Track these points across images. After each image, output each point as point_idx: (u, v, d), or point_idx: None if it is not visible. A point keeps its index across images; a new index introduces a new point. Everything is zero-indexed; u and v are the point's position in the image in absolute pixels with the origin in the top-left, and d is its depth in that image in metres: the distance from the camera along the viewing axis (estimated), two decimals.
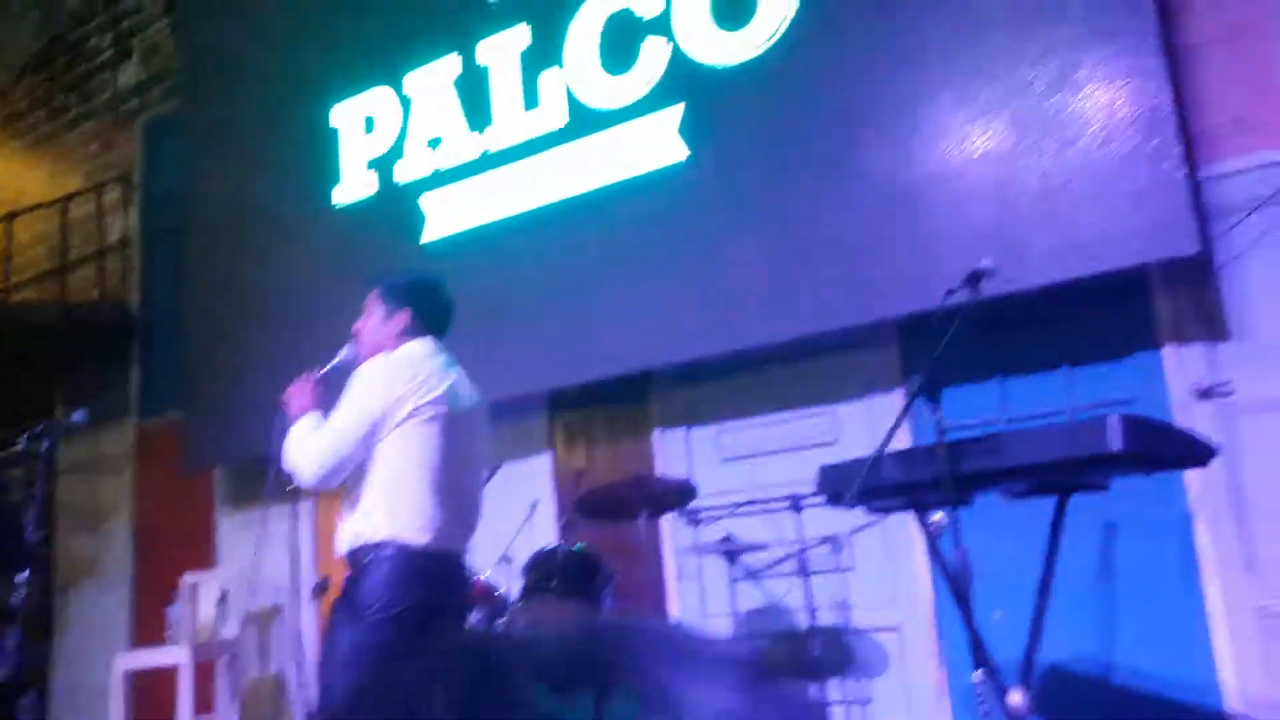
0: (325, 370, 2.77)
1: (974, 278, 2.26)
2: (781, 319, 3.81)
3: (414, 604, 2.32)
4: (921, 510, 2.35)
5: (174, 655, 4.75)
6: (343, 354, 2.78)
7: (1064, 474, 2.09)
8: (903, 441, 3.26)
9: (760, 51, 3.97)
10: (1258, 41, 3.40)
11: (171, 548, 5.78)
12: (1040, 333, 3.64)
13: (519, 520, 4.57)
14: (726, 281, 3.93)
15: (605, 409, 4.64)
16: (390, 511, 2.41)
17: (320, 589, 5.27)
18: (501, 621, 3.30)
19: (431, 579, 2.38)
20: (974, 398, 3.69)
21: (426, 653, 2.21)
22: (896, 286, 3.57)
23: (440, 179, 4.74)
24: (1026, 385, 3.65)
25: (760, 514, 3.95)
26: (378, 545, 2.39)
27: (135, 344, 6.27)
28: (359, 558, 2.41)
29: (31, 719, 4.34)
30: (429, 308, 2.73)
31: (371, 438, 2.45)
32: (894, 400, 3.89)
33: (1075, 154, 3.36)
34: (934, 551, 2.26)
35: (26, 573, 3.23)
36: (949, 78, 3.61)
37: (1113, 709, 3.39)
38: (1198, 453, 2.27)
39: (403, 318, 2.67)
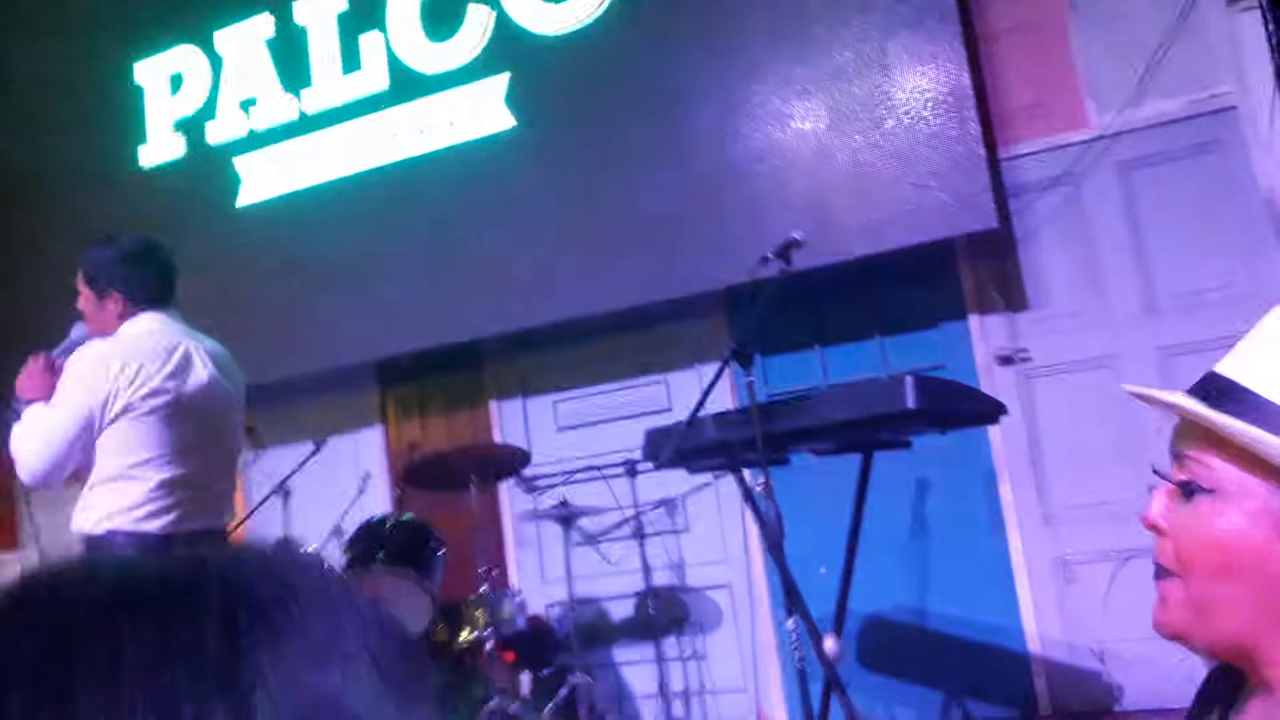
0: (58, 351, 2.53)
1: (786, 248, 2.36)
2: (607, 290, 3.87)
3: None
4: (740, 469, 2.45)
5: None
6: (74, 333, 2.56)
7: (866, 431, 2.22)
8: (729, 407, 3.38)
9: (587, 21, 3.98)
10: (1050, 33, 3.66)
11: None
12: (856, 303, 3.83)
13: (351, 494, 4.48)
14: (553, 251, 3.95)
15: (439, 380, 4.59)
16: (111, 505, 2.30)
17: None
18: None
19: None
20: (796, 366, 3.86)
21: None
22: (719, 259, 3.66)
23: (256, 141, 4.54)
24: (844, 354, 3.84)
25: (597, 480, 4.00)
26: (104, 537, 2.29)
27: None
28: (91, 551, 2.30)
29: None
30: (140, 282, 2.48)
31: (88, 434, 2.30)
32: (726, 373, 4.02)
33: (884, 134, 3.54)
34: (751, 506, 2.36)
35: None
36: (771, 58, 3.72)
37: (927, 654, 3.65)
38: (988, 410, 2.45)
39: (115, 300, 2.45)
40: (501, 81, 4.08)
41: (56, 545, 4.90)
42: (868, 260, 3.54)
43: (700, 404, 2.21)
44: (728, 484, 3.93)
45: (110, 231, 4.67)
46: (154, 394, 2.32)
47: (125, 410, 2.29)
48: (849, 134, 3.58)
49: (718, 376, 2.23)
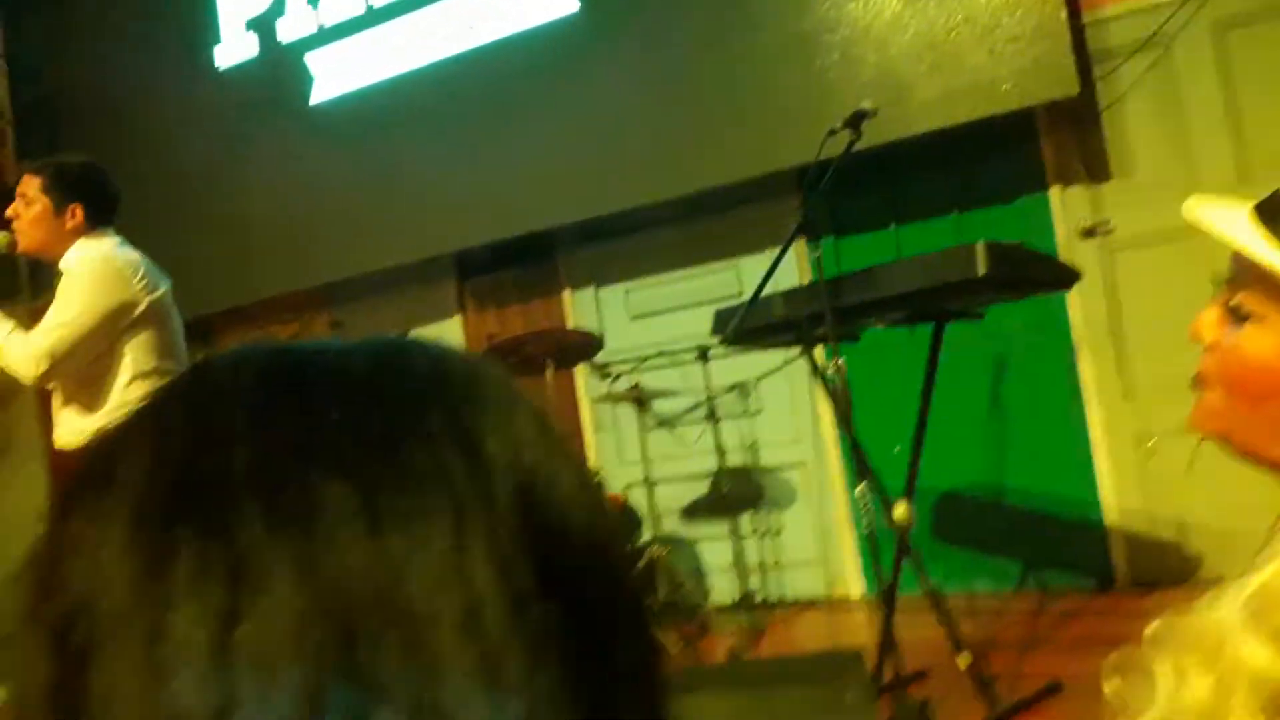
0: None
1: (856, 119, 2.32)
2: (677, 174, 3.84)
3: None
4: (810, 345, 2.47)
5: None
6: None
7: (936, 300, 2.21)
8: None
9: None
10: None
11: None
12: (932, 179, 3.75)
13: None
14: (622, 137, 3.93)
15: (514, 272, 4.66)
16: (142, 397, 2.43)
17: None
18: None
19: None
20: (870, 246, 3.82)
21: None
22: (790, 138, 3.60)
23: (325, 36, 4.55)
24: (920, 231, 3.78)
25: (670, 366, 4.07)
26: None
27: None
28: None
29: None
30: (100, 199, 2.63)
31: (107, 334, 2.51)
32: (797, 252, 4.00)
33: (959, 2, 3.39)
34: (820, 380, 2.39)
35: None
36: None
37: (1004, 527, 3.69)
38: (1061, 276, 2.42)
39: (76, 211, 2.58)
40: None
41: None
42: (943, 133, 3.45)
43: (767, 278, 2.22)
44: (799, 367, 3.96)
45: (190, 136, 4.84)
46: (161, 300, 2.60)
47: (146, 310, 2.55)
48: (922, 1, 3.44)
49: (785, 249, 2.23)
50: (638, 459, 4.13)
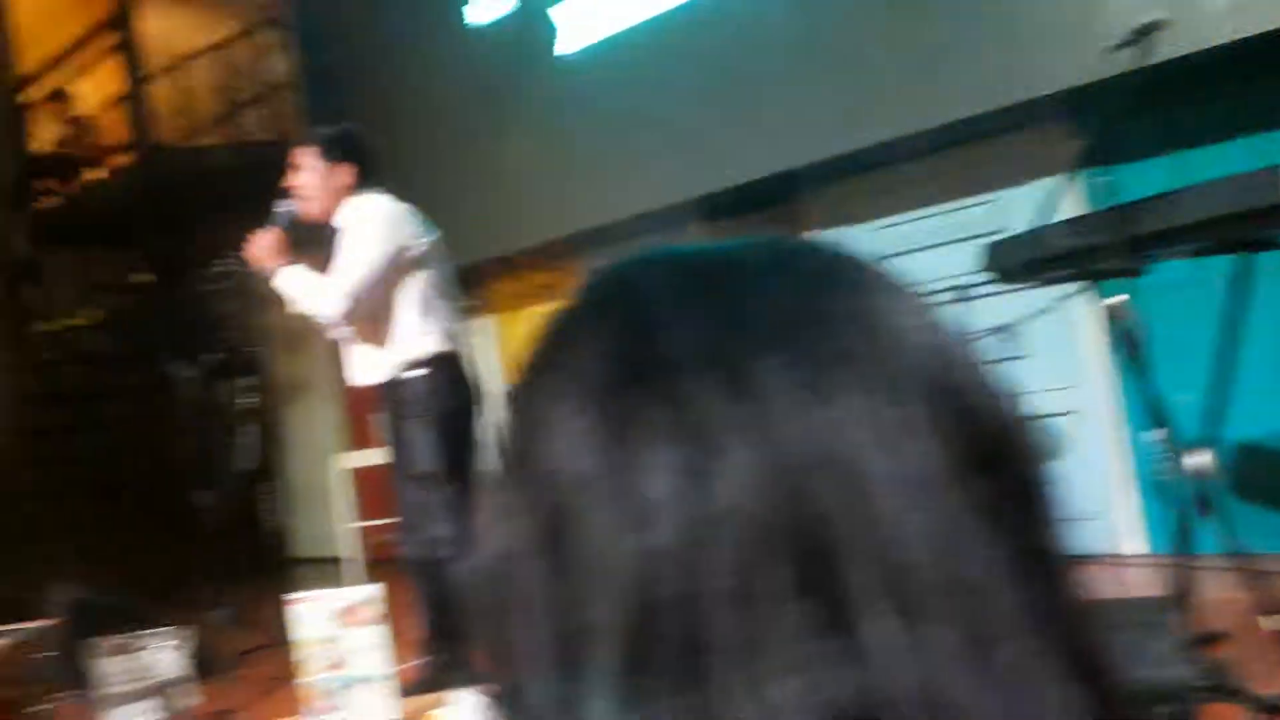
0: (275, 225, 2.94)
1: (1143, 31, 2.11)
2: (928, 105, 3.65)
3: (463, 394, 2.93)
4: (1094, 280, 2.31)
5: (382, 456, 5.26)
6: (284, 209, 2.95)
7: (1241, 228, 2.00)
8: None
9: None
10: None
11: None
12: (1220, 99, 3.37)
13: None
14: (866, 70, 3.78)
15: (758, 215, 4.65)
16: (428, 329, 2.87)
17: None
18: None
19: (465, 373, 2.98)
20: (1151, 173, 3.49)
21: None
22: (1055, 58, 3.35)
23: None
24: (1206, 158, 3.42)
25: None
26: (428, 360, 2.86)
27: None
28: (409, 372, 2.85)
29: (271, 506, 4.95)
30: (367, 158, 2.95)
31: (394, 272, 2.83)
32: (1064, 184, 3.73)
33: None
34: (1107, 317, 2.24)
35: (252, 377, 3.65)
36: None
37: None
38: None
39: (347, 170, 2.88)
40: None
41: None
42: (1237, 46, 3.09)
43: (1048, 207, 2.09)
44: (1070, 305, 3.71)
45: (443, 91, 5.13)
46: (428, 242, 2.92)
47: (419, 252, 2.88)
48: None
49: (1071, 177, 2.09)
50: None
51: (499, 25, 4.99)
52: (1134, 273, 2.14)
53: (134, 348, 6.26)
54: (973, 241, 3.94)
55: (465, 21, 5.10)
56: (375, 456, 5.35)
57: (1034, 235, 2.16)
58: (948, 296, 3.70)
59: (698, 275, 0.39)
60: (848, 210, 4.34)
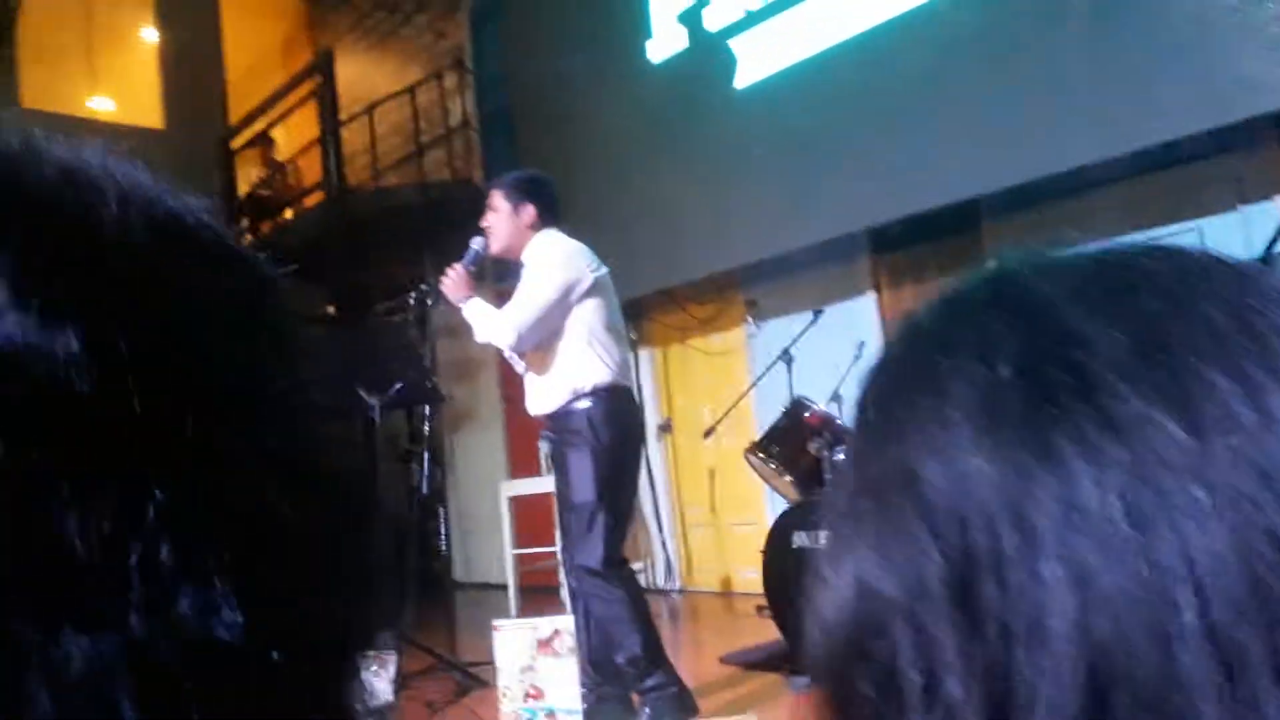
0: (466, 262, 3.09)
1: None
2: (1126, 128, 3.44)
3: (626, 426, 3.01)
4: None
5: (547, 484, 5.37)
6: (475, 246, 3.10)
7: None
8: None
9: None
10: None
11: None
12: None
13: (847, 361, 4.63)
14: (1059, 93, 3.60)
15: (933, 245, 4.51)
16: (594, 361, 2.94)
17: (665, 429, 5.70)
18: (840, 449, 3.40)
19: (629, 405, 3.08)
20: None
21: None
22: (1267, 77, 3.08)
23: (751, 20, 4.68)
24: None
25: None
26: (593, 391, 2.92)
27: None
28: (574, 403, 2.93)
29: (440, 533, 5.17)
30: (548, 200, 3.08)
31: (564, 306, 2.94)
32: (1274, 209, 3.43)
33: None
34: None
35: (429, 409, 3.79)
36: None
37: None
38: None
39: (529, 211, 3.02)
40: None
41: None
42: None
43: (1273, 243, 1.91)
44: None
45: (614, 127, 5.25)
46: (600, 276, 3.02)
47: (591, 286, 2.97)
48: None
49: None
50: None
51: (675, 61, 5.06)
52: None
53: (316, 376, 6.64)
54: None
55: (643, 58, 5.20)
56: (537, 485, 5.52)
57: (1260, 265, 1.97)
58: None
59: (1107, 282, 0.35)
60: (1034, 239, 4.10)
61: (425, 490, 3.65)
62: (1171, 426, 0.29)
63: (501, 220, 3.07)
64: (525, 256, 3.08)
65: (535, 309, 2.93)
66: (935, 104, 3.98)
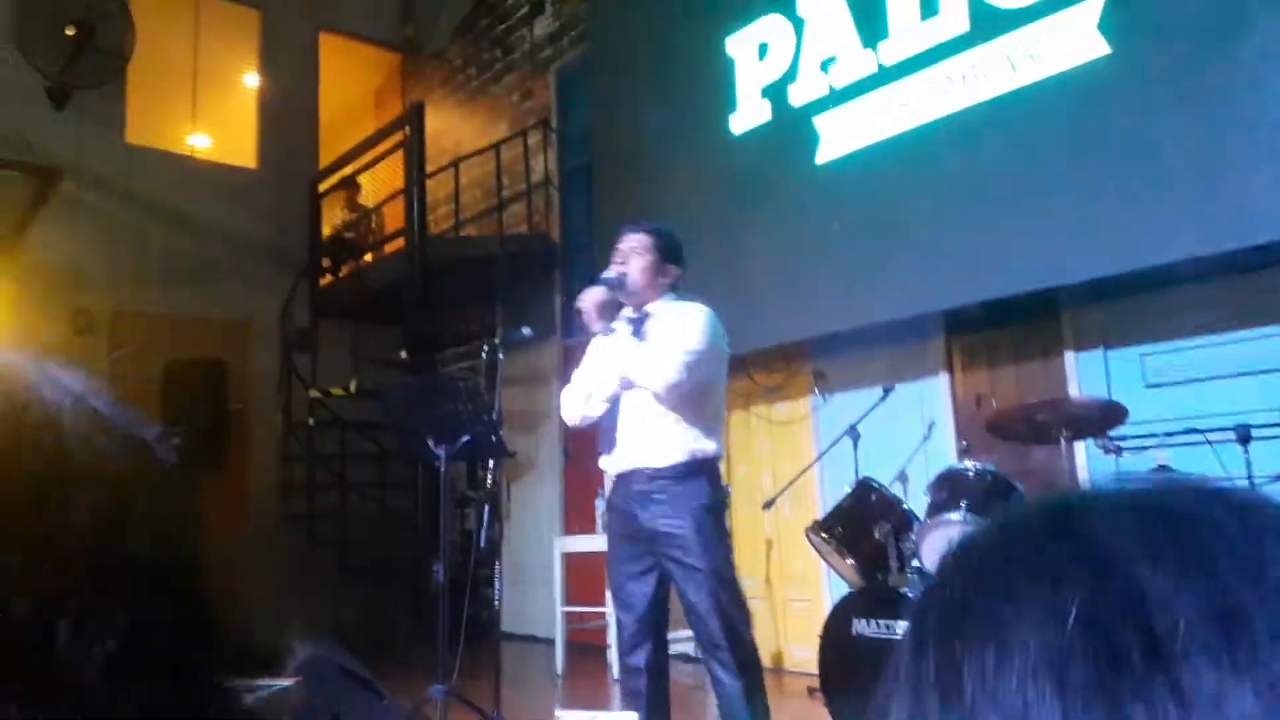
0: (610, 283, 2.91)
1: None
2: (1223, 226, 3.38)
3: (720, 503, 2.86)
4: None
5: (602, 542, 5.34)
6: (612, 273, 2.93)
7: None
8: None
9: None
10: None
11: (595, 448, 6.47)
12: None
13: (915, 441, 4.56)
14: (1153, 188, 3.55)
15: (1009, 329, 4.45)
16: (715, 430, 2.86)
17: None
18: (911, 536, 3.33)
19: (720, 480, 2.93)
20: None
21: None
22: None
23: (835, 98, 4.72)
24: None
25: (1197, 444, 3.58)
26: (709, 458, 2.82)
27: (558, 271, 7.01)
28: (691, 467, 2.79)
29: (494, 585, 5.16)
30: (683, 268, 3.01)
31: (712, 366, 2.84)
32: None
33: None
34: None
35: (493, 461, 3.78)
36: None
37: None
38: None
39: (673, 273, 2.96)
40: (1094, 6, 3.74)
41: None
42: None
43: None
44: None
45: (706, 197, 5.30)
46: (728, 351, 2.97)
47: (727, 361, 2.90)
48: None
49: None
50: None
51: (757, 133, 5.12)
52: None
53: (387, 420, 6.80)
54: (1259, 376, 3.58)
55: (726, 128, 5.26)
56: (591, 543, 5.50)
57: None
58: (1227, 435, 3.37)
59: (1176, 535, 0.33)
60: (1115, 331, 4.06)
61: (483, 542, 3.63)
62: (1247, 702, 0.28)
63: (648, 266, 2.92)
64: (663, 308, 2.93)
65: (699, 355, 2.77)
66: (1018, 190, 3.96)
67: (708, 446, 2.82)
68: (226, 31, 8.36)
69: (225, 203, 7.86)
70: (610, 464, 2.98)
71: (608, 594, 5.30)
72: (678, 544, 2.74)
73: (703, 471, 2.80)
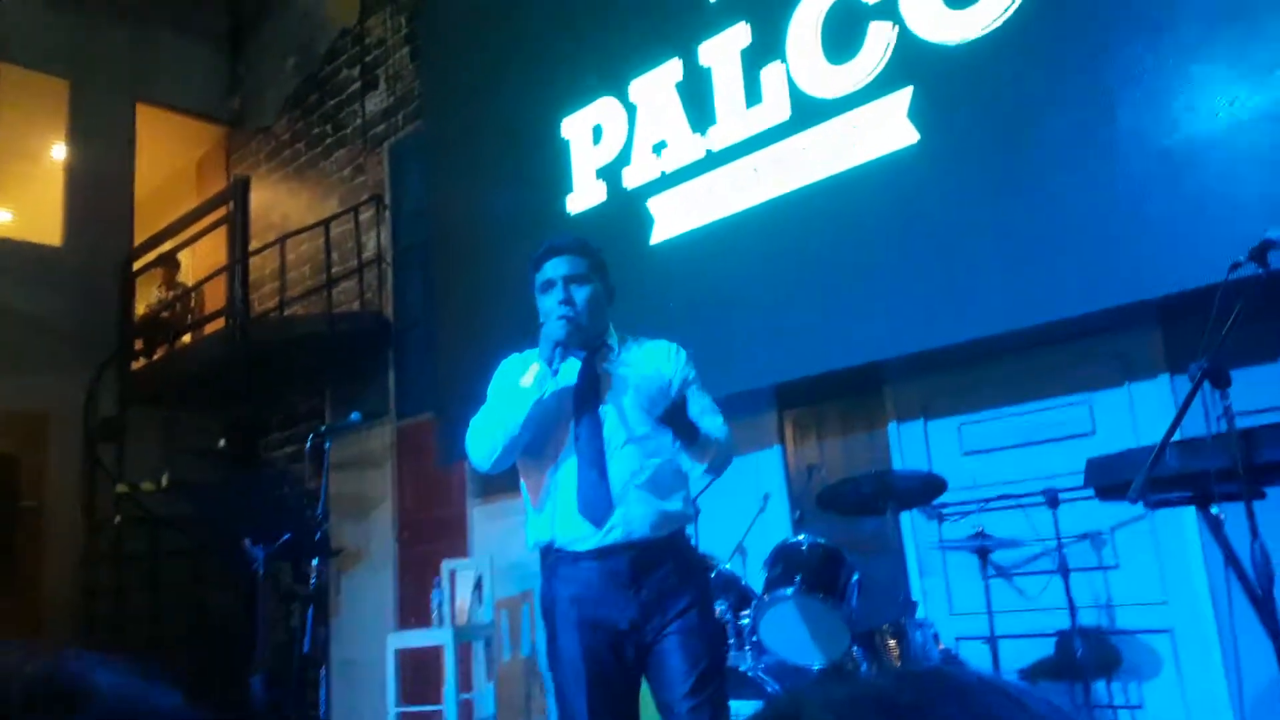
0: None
1: (1263, 249, 2.06)
2: (1025, 305, 3.62)
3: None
4: (1205, 504, 2.17)
5: (439, 637, 5.13)
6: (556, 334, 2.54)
7: None
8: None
9: (994, 26, 3.79)
10: None
11: (430, 536, 6.25)
12: None
13: (751, 513, 4.61)
14: (964, 267, 3.78)
15: (837, 402, 4.60)
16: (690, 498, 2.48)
17: None
18: (747, 613, 3.33)
19: None
20: (1256, 381, 3.37)
21: None
22: (1157, 265, 3.31)
23: (667, 181, 4.83)
24: None
25: (1010, 509, 3.78)
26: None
27: (391, 350, 6.81)
28: (675, 538, 2.40)
29: (321, 691, 4.84)
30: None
31: None
32: (1159, 388, 3.63)
33: None
34: (1226, 550, 2.08)
35: (315, 560, 3.55)
36: (1209, 37, 3.30)
37: None
38: None
39: (608, 294, 2.69)
40: (904, 96, 4.00)
41: (497, 551, 5.56)
42: None
43: (1172, 431, 1.99)
44: (1165, 517, 3.52)
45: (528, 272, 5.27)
46: None
47: None
48: None
49: (1190, 397, 1.99)
50: (970, 610, 3.84)
51: (593, 213, 5.18)
52: (1250, 498, 2.00)
53: (202, 516, 6.36)
54: (1064, 442, 3.82)
55: (563, 207, 5.29)
56: (427, 637, 5.27)
57: (1138, 456, 2.05)
58: (1036, 499, 3.57)
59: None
60: (933, 403, 4.26)
61: (306, 647, 3.39)
62: None
63: (600, 296, 2.56)
64: (618, 345, 2.57)
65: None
66: (842, 270, 4.13)
67: (683, 513, 2.43)
68: (31, 102, 7.86)
69: (23, 283, 7.26)
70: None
71: (445, 693, 5.07)
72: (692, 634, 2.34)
73: (690, 539, 2.51)
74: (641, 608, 2.28)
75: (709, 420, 2.49)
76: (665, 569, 2.32)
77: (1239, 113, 3.23)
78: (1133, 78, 3.44)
